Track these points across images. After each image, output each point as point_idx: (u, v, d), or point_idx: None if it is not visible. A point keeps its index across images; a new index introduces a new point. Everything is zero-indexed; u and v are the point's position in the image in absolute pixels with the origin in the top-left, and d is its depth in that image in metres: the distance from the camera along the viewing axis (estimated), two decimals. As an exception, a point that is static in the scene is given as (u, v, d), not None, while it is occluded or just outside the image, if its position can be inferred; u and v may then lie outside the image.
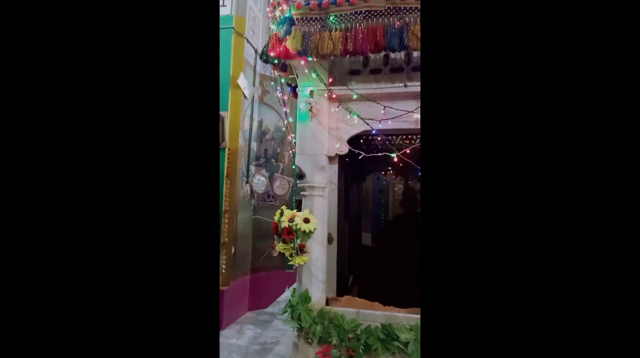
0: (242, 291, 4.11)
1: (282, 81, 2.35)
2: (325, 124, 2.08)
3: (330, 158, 2.16)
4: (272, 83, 2.23)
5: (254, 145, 4.31)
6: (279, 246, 2.03)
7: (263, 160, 4.41)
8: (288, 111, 2.49)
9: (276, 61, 2.05)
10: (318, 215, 2.08)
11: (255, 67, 4.29)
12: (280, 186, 4.44)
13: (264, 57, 2.08)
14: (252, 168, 4.29)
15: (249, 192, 4.21)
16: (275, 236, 2.12)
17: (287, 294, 4.08)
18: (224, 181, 3.81)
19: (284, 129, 4.31)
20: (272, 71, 2.17)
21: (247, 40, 4.02)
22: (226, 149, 3.81)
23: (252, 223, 4.31)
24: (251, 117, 4.26)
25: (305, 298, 2.06)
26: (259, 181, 4.29)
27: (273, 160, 4.47)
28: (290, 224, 2.00)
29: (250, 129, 4.25)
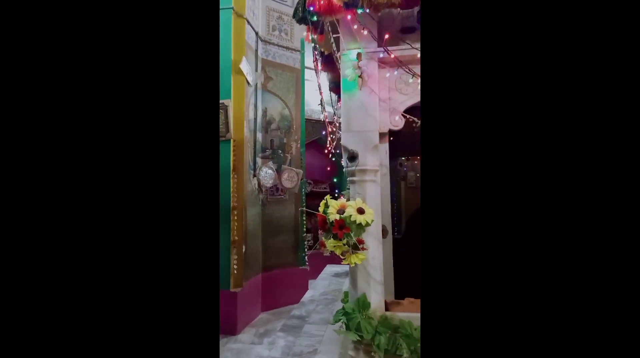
0: (255, 292, 3.64)
1: (312, 47, 1.88)
2: (376, 94, 1.64)
3: (380, 136, 1.72)
4: (312, 44, 1.75)
5: (259, 136, 3.81)
6: (329, 244, 1.59)
7: (269, 152, 3.91)
8: (321, 84, 2.02)
9: (315, 19, 1.58)
10: (371, 204, 1.65)
11: (256, 51, 3.78)
12: (289, 179, 3.97)
13: (299, 15, 1.61)
14: (259, 161, 3.80)
15: (256, 186, 3.72)
16: (321, 232, 1.68)
17: (311, 293, 3.62)
18: (231, 176, 3.31)
19: (289, 115, 3.81)
20: (308, 33, 1.70)
21: (248, 21, 3.51)
22: (231, 141, 3.30)
23: (261, 220, 3.83)
24: (255, 106, 3.76)
25: (364, 304, 1.63)
26: (267, 174, 3.80)
27: (280, 151, 3.98)
28: (342, 216, 1.56)
29: (255, 119, 3.74)
